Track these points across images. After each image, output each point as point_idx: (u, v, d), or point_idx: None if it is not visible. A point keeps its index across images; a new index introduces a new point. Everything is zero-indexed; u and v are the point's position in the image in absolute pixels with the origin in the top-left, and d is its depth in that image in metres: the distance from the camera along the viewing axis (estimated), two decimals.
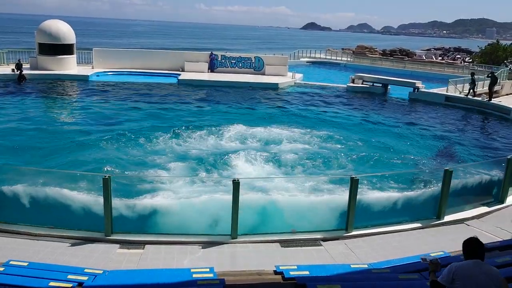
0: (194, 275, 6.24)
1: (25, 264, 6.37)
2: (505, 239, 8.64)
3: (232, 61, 34.49)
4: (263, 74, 33.80)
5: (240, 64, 34.43)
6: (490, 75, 27.05)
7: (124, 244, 8.11)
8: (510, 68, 37.02)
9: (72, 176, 10.91)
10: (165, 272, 6.69)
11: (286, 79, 32.52)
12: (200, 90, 27.98)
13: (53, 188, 9.11)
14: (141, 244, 8.13)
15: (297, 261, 7.56)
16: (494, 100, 26.19)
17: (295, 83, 32.31)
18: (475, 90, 27.11)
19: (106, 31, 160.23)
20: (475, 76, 27.67)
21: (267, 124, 19.06)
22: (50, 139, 15.89)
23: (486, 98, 26.24)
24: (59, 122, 19.00)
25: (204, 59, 34.16)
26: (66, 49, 30.41)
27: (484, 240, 8.22)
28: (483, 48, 52.06)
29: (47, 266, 6.44)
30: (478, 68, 42.98)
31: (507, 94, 30.87)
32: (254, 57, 34.83)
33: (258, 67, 34.32)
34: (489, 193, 10.90)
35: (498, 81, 28.25)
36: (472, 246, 4.21)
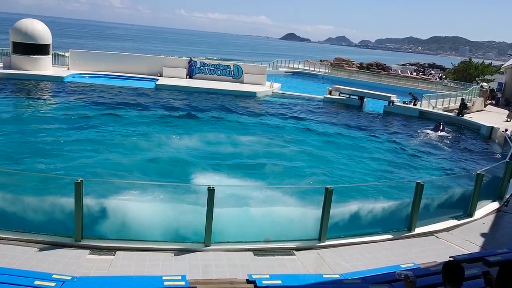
0: (165, 283, 6.16)
1: None
2: (472, 251, 8.84)
3: (211, 68, 34.49)
4: (242, 82, 33.90)
5: (219, 72, 34.45)
6: (461, 102, 28.31)
7: (95, 249, 7.94)
8: (481, 86, 38.19)
9: (43, 179, 10.67)
10: (136, 279, 6.58)
11: (264, 88, 32.70)
12: (178, 96, 27.83)
13: (22, 191, 8.87)
14: (112, 250, 7.98)
15: (270, 270, 7.56)
16: (466, 116, 27.02)
17: (273, 92, 32.50)
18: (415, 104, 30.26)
19: (83, 32, 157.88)
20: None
21: (242, 132, 19.09)
22: (20, 140, 15.49)
23: (459, 115, 27.10)
24: (30, 123, 18.51)
25: (183, 65, 34.06)
26: (42, 49, 29.80)
27: (453, 252, 8.45)
28: (456, 65, 53.56)
29: (13, 271, 6.25)
30: (451, 84, 44.18)
31: (477, 111, 31.85)
32: (233, 65, 34.93)
33: (236, 75, 34.40)
34: (459, 207, 11.15)
35: (468, 104, 30.18)
36: (455, 274, 4.14)
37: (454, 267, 4.16)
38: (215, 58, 44.80)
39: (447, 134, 23.64)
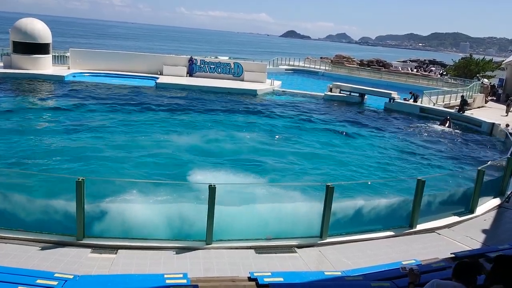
0: (167, 281, 6.17)
1: None
2: (474, 248, 8.85)
3: (211, 66, 34.45)
4: (242, 80, 33.86)
5: (219, 70, 34.43)
6: (461, 98, 28.26)
7: (96, 248, 7.96)
8: (482, 82, 38.12)
9: (44, 178, 10.68)
10: (138, 277, 6.59)
11: (264, 86, 32.66)
12: (178, 94, 27.84)
13: (23, 190, 8.88)
14: (114, 248, 7.99)
15: (271, 267, 7.57)
16: (466, 113, 26.98)
17: (273, 90, 32.49)
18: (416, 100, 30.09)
19: (84, 31, 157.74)
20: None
21: (243, 130, 19.08)
22: (21, 139, 15.50)
23: (460, 111, 27.04)
24: (31, 123, 18.55)
25: (183, 63, 34.05)
26: (42, 48, 29.80)
27: (454, 249, 8.45)
28: (457, 62, 53.42)
29: (15, 270, 6.26)
30: (452, 81, 44.10)
31: (478, 107, 31.81)
32: (233, 63, 34.90)
33: (237, 73, 34.36)
34: (460, 203, 11.14)
35: (469, 101, 30.22)
36: (462, 272, 4.13)
37: (460, 265, 4.15)
38: (226, 57, 44.54)
39: (452, 130, 23.69)
